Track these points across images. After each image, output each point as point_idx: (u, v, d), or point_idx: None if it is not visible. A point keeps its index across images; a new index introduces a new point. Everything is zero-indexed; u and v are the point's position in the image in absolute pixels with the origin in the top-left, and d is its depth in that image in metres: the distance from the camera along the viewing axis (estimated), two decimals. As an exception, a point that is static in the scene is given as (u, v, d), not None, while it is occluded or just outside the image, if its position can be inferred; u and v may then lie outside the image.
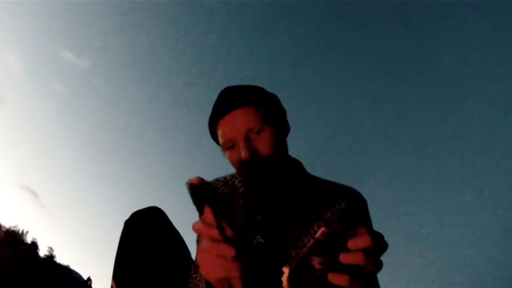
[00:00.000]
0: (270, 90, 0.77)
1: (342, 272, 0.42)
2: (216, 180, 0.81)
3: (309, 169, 0.82)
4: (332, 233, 0.46)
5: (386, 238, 0.45)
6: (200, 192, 0.48)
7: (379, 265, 0.43)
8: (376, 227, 0.78)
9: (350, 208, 0.73)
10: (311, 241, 0.48)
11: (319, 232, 0.47)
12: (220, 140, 0.71)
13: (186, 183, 0.50)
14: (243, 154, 0.66)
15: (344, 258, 0.42)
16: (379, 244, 0.43)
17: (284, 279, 0.48)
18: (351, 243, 0.42)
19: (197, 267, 0.75)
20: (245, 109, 0.67)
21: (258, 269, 0.63)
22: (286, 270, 0.49)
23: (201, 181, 0.49)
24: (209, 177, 0.83)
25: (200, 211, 0.49)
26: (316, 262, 0.48)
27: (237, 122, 0.67)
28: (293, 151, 0.80)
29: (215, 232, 0.47)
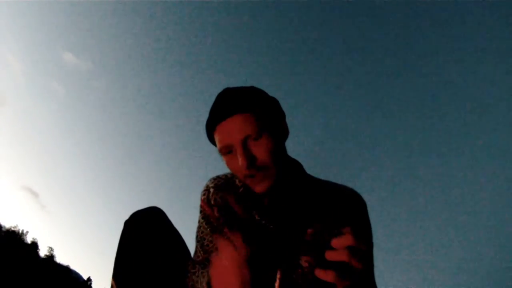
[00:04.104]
0: (271, 93, 0.76)
1: (328, 268, 0.46)
2: (218, 177, 0.82)
3: (309, 170, 0.82)
4: (319, 232, 0.49)
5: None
6: None
7: (364, 262, 0.46)
8: (375, 228, 0.79)
9: (348, 210, 0.74)
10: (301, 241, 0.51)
11: (307, 232, 0.50)
12: (218, 145, 0.70)
13: None
14: (241, 161, 0.65)
15: (329, 255, 0.47)
16: (363, 242, 0.46)
17: (277, 282, 0.51)
18: (334, 242, 0.47)
19: (195, 262, 0.76)
20: (243, 115, 0.66)
21: (254, 271, 0.64)
22: (278, 273, 0.52)
23: None
24: (209, 175, 0.84)
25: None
26: (303, 260, 0.51)
27: (234, 129, 0.66)
28: (292, 153, 0.80)
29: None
